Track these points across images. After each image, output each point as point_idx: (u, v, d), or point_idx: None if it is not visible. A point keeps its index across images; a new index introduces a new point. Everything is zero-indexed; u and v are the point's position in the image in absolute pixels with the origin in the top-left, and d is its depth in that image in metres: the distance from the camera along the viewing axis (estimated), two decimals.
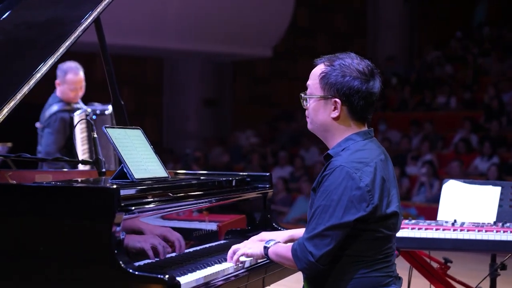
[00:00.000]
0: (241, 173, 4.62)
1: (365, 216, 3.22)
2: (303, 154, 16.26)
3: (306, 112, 3.53)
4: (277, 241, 3.56)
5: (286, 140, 17.42)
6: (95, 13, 3.96)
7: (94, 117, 7.27)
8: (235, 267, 3.62)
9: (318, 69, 3.44)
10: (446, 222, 4.63)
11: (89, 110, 7.25)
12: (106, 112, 7.34)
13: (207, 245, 3.97)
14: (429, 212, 12.63)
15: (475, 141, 14.63)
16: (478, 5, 21.96)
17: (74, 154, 6.21)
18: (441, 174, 13.78)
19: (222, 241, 4.12)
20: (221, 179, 4.37)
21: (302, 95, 3.50)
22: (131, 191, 3.44)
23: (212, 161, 16.66)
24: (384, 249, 3.37)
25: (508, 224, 4.53)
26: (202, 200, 3.93)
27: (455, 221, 4.61)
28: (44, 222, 3.17)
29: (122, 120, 4.61)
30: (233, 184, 4.38)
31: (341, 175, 3.23)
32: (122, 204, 3.12)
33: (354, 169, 3.23)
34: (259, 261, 3.78)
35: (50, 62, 3.72)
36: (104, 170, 4.18)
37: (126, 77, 16.43)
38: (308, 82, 3.49)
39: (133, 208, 3.18)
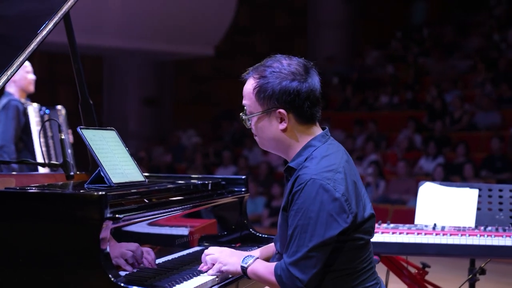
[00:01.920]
0: (216, 176, 4.43)
1: (346, 228, 3.00)
2: (247, 154, 16.10)
3: (253, 131, 3.26)
4: (255, 258, 3.27)
5: (229, 139, 17.24)
6: (67, 6, 3.71)
7: (47, 111, 7.08)
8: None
9: (249, 85, 3.19)
10: (426, 226, 4.50)
11: (35, 105, 7.10)
12: (61, 111, 7.18)
13: (184, 252, 3.76)
14: (377, 212, 12.58)
15: (419, 141, 14.66)
16: (416, 4, 22.10)
17: (30, 148, 6.00)
18: (387, 174, 13.78)
19: (199, 248, 3.90)
20: (198, 182, 4.17)
21: (243, 116, 3.24)
22: (111, 198, 3.19)
23: (155, 161, 16.40)
24: (366, 256, 3.18)
25: (490, 228, 4.42)
26: (187, 205, 3.74)
27: (435, 225, 4.49)
28: (24, 231, 2.93)
29: (91, 120, 4.37)
30: (209, 188, 4.18)
31: (313, 189, 2.98)
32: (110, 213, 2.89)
33: (326, 180, 2.99)
34: None
35: (22, 58, 3.46)
36: (72, 173, 3.93)
37: (63, 76, 16.02)
38: (244, 102, 3.22)
39: (121, 216, 2.95)
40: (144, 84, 17.80)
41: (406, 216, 11.91)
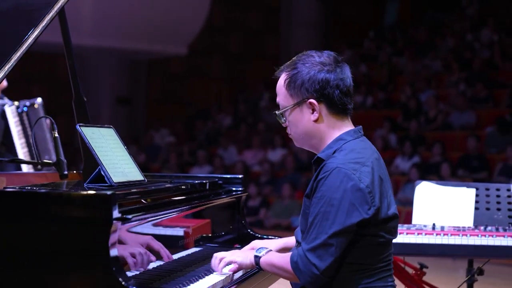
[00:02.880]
0: (213, 176, 4.33)
1: (367, 220, 2.98)
2: (222, 153, 16.00)
3: (288, 130, 3.26)
4: (269, 249, 3.28)
5: (203, 139, 17.12)
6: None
7: (25, 109, 6.89)
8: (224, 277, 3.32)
9: (282, 80, 3.22)
10: (425, 226, 4.43)
11: (16, 103, 6.91)
12: (36, 105, 6.99)
13: (183, 254, 3.67)
14: None
15: (394, 141, 14.65)
16: (388, 4, 22.13)
17: (13, 151, 5.84)
18: None
19: (197, 249, 3.81)
20: (196, 182, 4.07)
21: (277, 112, 3.23)
22: (119, 197, 3.09)
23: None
24: (385, 256, 3.15)
25: (490, 228, 4.37)
26: (192, 204, 3.66)
27: (434, 225, 4.43)
28: (29, 232, 2.81)
29: (85, 117, 4.24)
30: (207, 187, 4.09)
31: (338, 177, 2.97)
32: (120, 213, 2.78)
33: (352, 170, 2.98)
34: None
35: (19, 53, 3.34)
36: (66, 172, 3.80)
37: (37, 74, 15.83)
38: (277, 99, 3.24)
39: (130, 216, 2.84)
40: (117, 83, 17.64)
41: None
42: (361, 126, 3.24)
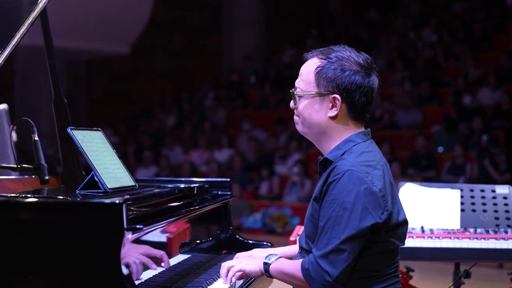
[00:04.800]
0: (199, 179, 4.17)
1: (379, 225, 2.87)
2: (168, 153, 15.78)
3: (295, 112, 3.12)
4: (279, 256, 3.15)
5: (148, 139, 16.87)
6: None
7: None
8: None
9: (312, 63, 3.06)
10: (413, 229, 4.34)
11: None
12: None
13: (173, 261, 3.50)
14: (303, 211, 12.47)
15: None
16: (331, 3, 22.17)
17: None
18: (312, 173, 13.69)
19: (185, 256, 3.66)
20: (182, 186, 3.91)
21: (295, 92, 3.09)
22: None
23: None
24: (394, 263, 3.07)
25: (479, 230, 4.30)
26: (192, 209, 3.50)
27: (423, 228, 4.34)
28: (28, 243, 2.63)
29: (65, 120, 4.06)
30: (195, 191, 3.95)
31: (351, 180, 2.87)
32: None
33: (364, 173, 2.88)
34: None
35: (6, 52, 3.15)
36: (47, 177, 3.61)
37: None
38: (298, 80, 3.10)
39: (140, 226, 2.67)
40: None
41: None
42: (369, 129, 3.13)
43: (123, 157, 15.41)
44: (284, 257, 3.23)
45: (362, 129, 3.08)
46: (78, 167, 4.07)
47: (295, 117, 3.14)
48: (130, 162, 15.68)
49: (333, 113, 3.01)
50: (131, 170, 13.43)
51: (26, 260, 2.62)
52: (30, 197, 3.00)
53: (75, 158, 4.07)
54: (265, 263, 3.10)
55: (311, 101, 3.04)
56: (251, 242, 4.12)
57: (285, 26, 21.38)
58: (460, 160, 12.39)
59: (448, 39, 17.14)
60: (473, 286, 5.26)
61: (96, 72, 18.90)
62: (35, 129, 3.68)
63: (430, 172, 12.72)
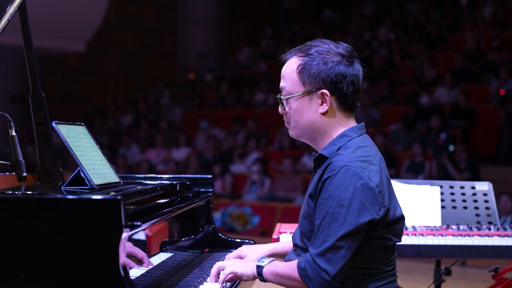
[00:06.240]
0: (180, 176, 4.07)
1: (377, 221, 2.81)
2: (124, 152, 15.60)
3: (285, 117, 3.05)
4: (272, 259, 3.05)
5: (104, 138, 16.66)
6: None
7: None
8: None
9: (292, 63, 3.00)
10: None
11: None
12: None
13: (157, 260, 3.40)
14: (264, 210, 12.45)
15: None
16: (285, 2, 22.17)
17: None
18: (271, 172, 13.65)
19: (168, 254, 3.55)
20: (166, 182, 3.81)
21: (281, 97, 3.02)
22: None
23: (26, 161, 15.58)
24: (391, 260, 3.01)
25: (462, 227, 4.27)
26: (185, 205, 3.41)
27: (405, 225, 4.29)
28: (27, 239, 2.51)
29: (42, 115, 3.93)
30: (178, 188, 3.84)
31: (347, 176, 2.79)
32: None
33: (360, 168, 2.81)
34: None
35: None
36: (25, 174, 3.49)
37: None
38: (282, 84, 3.02)
39: (139, 223, 2.57)
40: (11, 80, 16.97)
41: (296, 215, 11.84)
42: (363, 123, 3.06)
43: None
44: (275, 257, 3.17)
45: (354, 122, 3.01)
46: (55, 163, 3.94)
47: (286, 123, 3.07)
48: None
49: (324, 109, 2.94)
50: None
51: (18, 259, 2.51)
52: (22, 194, 2.88)
53: (52, 154, 3.94)
54: (258, 266, 3.01)
55: (300, 102, 2.96)
56: (233, 240, 4.04)
57: (240, 25, 21.33)
58: (419, 158, 12.43)
59: (403, 39, 17.23)
60: (455, 283, 5.25)
61: (50, 70, 18.62)
62: (12, 124, 3.56)
63: (389, 171, 12.55)
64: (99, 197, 2.49)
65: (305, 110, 2.95)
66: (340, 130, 2.97)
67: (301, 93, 2.95)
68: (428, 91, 14.33)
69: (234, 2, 21.26)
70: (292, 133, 3.06)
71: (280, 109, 3.04)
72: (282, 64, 3.06)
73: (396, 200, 2.97)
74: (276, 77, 17.45)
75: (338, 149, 2.91)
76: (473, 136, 13.48)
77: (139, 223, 2.56)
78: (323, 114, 2.94)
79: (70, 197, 2.54)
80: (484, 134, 13.54)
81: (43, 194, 2.87)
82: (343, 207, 2.77)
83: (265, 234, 11.75)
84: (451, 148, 12.33)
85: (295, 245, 3.12)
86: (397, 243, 3.10)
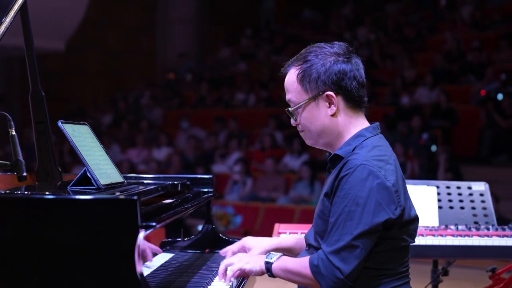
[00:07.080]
0: (180, 176, 4.04)
1: (392, 220, 2.81)
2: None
3: (299, 128, 3.06)
4: (281, 254, 3.05)
5: None
6: None
7: None
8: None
9: (292, 74, 3.02)
10: None
11: None
12: None
13: (161, 261, 3.37)
14: (246, 210, 12.44)
15: (280, 138, 14.59)
16: (265, 2, 22.18)
17: None
18: (253, 172, 13.63)
19: (169, 254, 3.52)
20: (168, 183, 3.78)
21: (290, 109, 3.03)
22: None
23: (6, 160, 15.49)
24: (405, 261, 3.01)
25: (461, 227, 4.28)
26: (191, 205, 3.39)
27: None
28: (41, 240, 2.48)
29: (42, 114, 3.89)
30: (179, 188, 3.82)
31: (363, 174, 2.80)
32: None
33: (377, 167, 2.82)
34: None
35: None
36: (25, 174, 3.46)
37: None
38: (288, 96, 3.04)
39: (154, 223, 2.55)
40: None
41: (278, 215, 11.84)
42: (378, 123, 3.08)
43: (59, 155, 15.15)
44: (277, 249, 3.20)
45: (365, 119, 3.03)
46: (54, 163, 3.90)
47: (301, 133, 3.08)
48: (66, 160, 15.36)
49: (332, 110, 2.96)
50: (67, 169, 13.12)
51: (32, 261, 2.48)
52: (35, 194, 2.85)
53: (51, 154, 3.90)
54: (267, 262, 3.00)
55: (308, 110, 2.98)
56: (234, 240, 4.01)
57: (220, 25, 21.30)
58: (401, 158, 12.44)
59: (383, 39, 17.28)
60: (452, 284, 5.26)
61: None
62: (12, 123, 3.54)
63: None
64: (115, 197, 2.47)
65: (315, 116, 2.97)
66: (353, 130, 2.98)
67: (307, 100, 2.96)
68: (408, 92, 14.38)
69: (213, 2, 21.23)
70: (309, 142, 3.08)
71: (292, 121, 3.06)
72: (283, 78, 3.06)
73: (410, 200, 2.98)
74: (256, 77, 17.53)
75: (354, 149, 2.92)
76: (454, 137, 13.54)
77: (154, 223, 2.54)
78: (333, 116, 2.96)
79: (85, 197, 2.51)
80: (465, 134, 13.61)
81: (57, 194, 2.82)
82: (359, 206, 2.78)
83: (247, 234, 11.72)
84: (433, 148, 12.37)
85: (308, 244, 3.12)
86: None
